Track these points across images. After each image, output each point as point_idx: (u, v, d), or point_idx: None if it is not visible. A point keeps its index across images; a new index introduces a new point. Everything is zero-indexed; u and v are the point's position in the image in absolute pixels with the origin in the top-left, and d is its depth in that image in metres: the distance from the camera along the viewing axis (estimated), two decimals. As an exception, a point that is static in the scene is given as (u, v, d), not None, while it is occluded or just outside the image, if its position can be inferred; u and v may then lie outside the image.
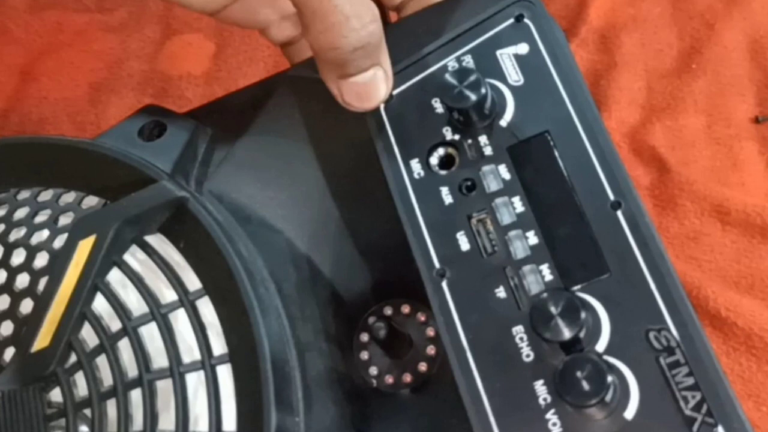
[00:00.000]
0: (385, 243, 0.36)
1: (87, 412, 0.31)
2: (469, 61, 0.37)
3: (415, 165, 0.35)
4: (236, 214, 0.36)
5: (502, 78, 0.36)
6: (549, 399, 0.30)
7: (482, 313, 0.32)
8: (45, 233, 0.34)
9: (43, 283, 0.33)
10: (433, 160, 0.35)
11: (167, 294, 0.33)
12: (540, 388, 0.31)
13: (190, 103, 0.56)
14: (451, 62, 0.37)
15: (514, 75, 0.36)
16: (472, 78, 0.34)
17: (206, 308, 0.32)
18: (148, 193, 0.33)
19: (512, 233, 0.33)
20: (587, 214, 0.33)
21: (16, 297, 0.33)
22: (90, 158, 0.35)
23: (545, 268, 0.32)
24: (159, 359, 0.31)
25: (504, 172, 0.34)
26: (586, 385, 0.28)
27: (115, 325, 0.32)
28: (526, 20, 0.37)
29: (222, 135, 0.39)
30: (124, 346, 0.31)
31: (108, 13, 0.62)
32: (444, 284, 0.33)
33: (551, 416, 0.30)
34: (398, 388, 0.35)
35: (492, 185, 0.34)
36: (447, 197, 0.34)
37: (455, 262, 0.33)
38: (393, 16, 0.42)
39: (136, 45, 0.60)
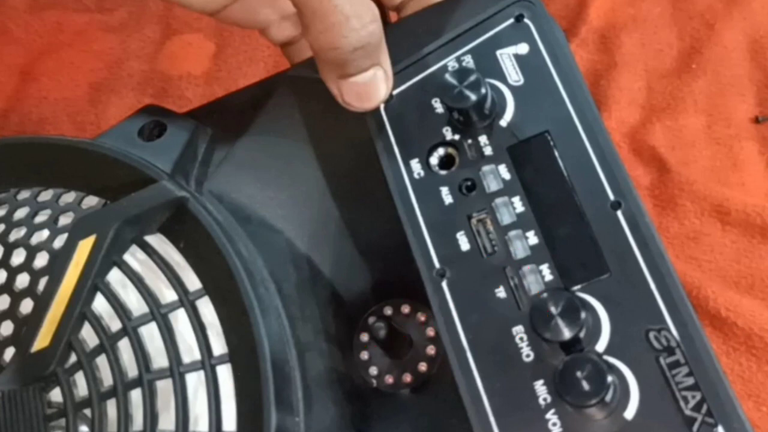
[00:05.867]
0: (385, 243, 0.36)
1: (87, 412, 0.31)
2: (469, 61, 0.37)
3: (415, 165, 0.35)
4: (236, 214, 0.36)
5: (502, 78, 0.36)
6: (549, 399, 0.30)
7: (482, 313, 0.32)
8: (45, 233, 0.34)
9: (43, 283, 0.33)
10: (433, 160, 0.35)
11: (167, 294, 0.33)
12: (540, 388, 0.31)
13: (190, 103, 0.56)
14: (451, 62, 0.37)
15: (514, 75, 0.36)
16: (472, 78, 0.34)
17: (206, 308, 0.32)
18: (148, 193, 0.33)
19: (512, 233, 0.33)
20: (587, 214, 0.33)
21: (16, 297, 0.33)
22: (90, 158, 0.35)
23: (545, 268, 0.32)
24: (159, 359, 0.31)
25: (504, 172, 0.34)
26: (586, 385, 0.28)
27: (115, 325, 0.32)
28: (526, 20, 0.37)
29: (222, 135, 0.39)
30: (124, 346, 0.31)
31: (108, 13, 0.62)
32: (444, 284, 0.33)
33: (551, 416, 0.30)
34: (398, 388, 0.35)
35: (492, 185, 0.34)
36: (447, 197, 0.34)
37: (455, 262, 0.33)
38: (393, 16, 0.42)
39: (136, 45, 0.60)
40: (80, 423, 0.31)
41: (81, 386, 0.31)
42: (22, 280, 0.33)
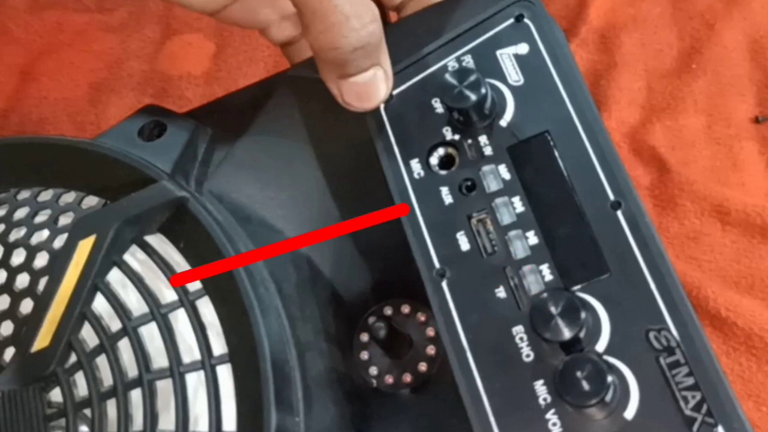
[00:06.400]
0: (385, 243, 0.36)
1: (87, 412, 0.31)
2: (469, 61, 0.37)
3: (415, 165, 0.35)
4: (236, 214, 0.36)
5: (502, 78, 0.36)
6: (549, 399, 0.30)
7: (482, 313, 0.32)
8: (45, 233, 0.34)
9: (43, 283, 0.33)
10: (433, 160, 0.35)
11: (167, 294, 0.33)
12: (540, 388, 0.31)
13: (190, 103, 0.56)
14: (451, 62, 0.37)
15: (514, 75, 0.36)
16: (472, 78, 0.34)
17: (206, 308, 0.32)
18: (148, 193, 0.33)
19: (512, 233, 0.33)
20: (587, 214, 0.33)
21: (16, 297, 0.33)
22: (90, 158, 0.35)
23: (545, 268, 0.32)
24: (159, 359, 0.31)
25: (504, 172, 0.34)
26: (586, 385, 0.28)
27: (115, 325, 0.32)
28: (526, 20, 0.37)
29: (222, 135, 0.39)
30: (124, 346, 0.31)
31: (108, 13, 0.62)
32: (444, 284, 0.33)
33: (551, 416, 0.30)
34: (398, 388, 0.35)
35: (492, 185, 0.34)
36: (447, 197, 0.34)
37: (455, 262, 0.33)
38: (393, 16, 0.42)
39: (136, 45, 0.60)
40: (80, 423, 0.31)
41: (81, 386, 0.31)
42: (22, 280, 0.33)
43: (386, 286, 0.37)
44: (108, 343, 0.31)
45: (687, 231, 0.48)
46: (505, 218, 0.33)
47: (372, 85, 0.36)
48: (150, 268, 0.33)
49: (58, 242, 0.34)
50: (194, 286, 0.33)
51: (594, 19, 0.55)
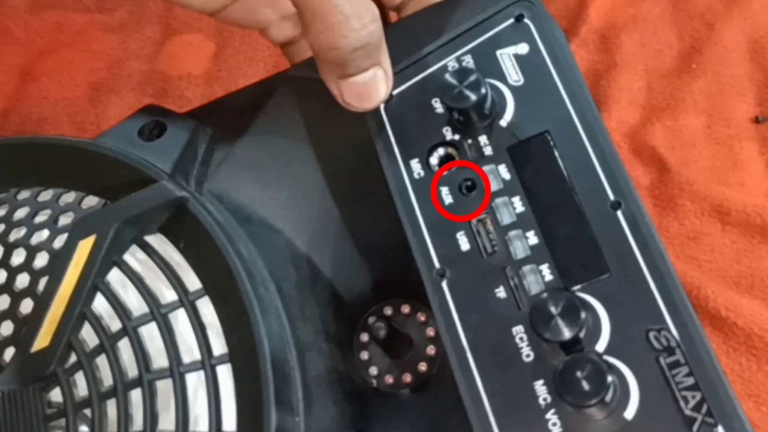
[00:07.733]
0: (385, 243, 0.36)
1: (87, 412, 0.31)
2: (469, 61, 0.37)
3: (415, 165, 0.35)
4: (236, 214, 0.36)
5: (502, 78, 0.36)
6: (549, 399, 0.30)
7: (482, 313, 0.32)
8: (45, 233, 0.34)
9: (43, 283, 0.33)
10: (433, 160, 0.35)
11: (167, 294, 0.33)
12: (540, 388, 0.31)
13: (190, 103, 0.56)
14: (451, 62, 0.37)
15: (514, 75, 0.36)
16: (472, 78, 0.34)
17: (206, 308, 0.32)
18: (148, 193, 0.33)
19: (512, 233, 0.33)
20: (587, 214, 0.33)
21: (16, 297, 0.33)
22: (90, 158, 0.35)
23: (545, 268, 0.32)
24: (159, 359, 0.31)
25: (504, 172, 0.34)
26: (586, 385, 0.28)
27: (115, 325, 0.32)
28: (526, 20, 0.37)
29: (222, 135, 0.39)
30: (124, 346, 0.31)
31: (108, 13, 0.62)
32: (444, 284, 0.33)
33: (551, 416, 0.30)
34: (398, 388, 0.35)
35: (492, 185, 0.34)
36: (447, 197, 0.34)
37: (455, 262, 0.33)
38: (393, 16, 0.42)
39: (136, 45, 0.60)
40: (80, 423, 0.31)
41: (81, 386, 0.31)
42: (22, 280, 0.33)
43: (386, 286, 0.37)
44: (108, 343, 0.31)
45: (687, 231, 0.48)
46: (505, 218, 0.33)
47: (372, 85, 0.36)
48: (150, 268, 0.33)
49: (58, 242, 0.34)
50: (194, 285, 0.33)
51: (594, 19, 0.55)
